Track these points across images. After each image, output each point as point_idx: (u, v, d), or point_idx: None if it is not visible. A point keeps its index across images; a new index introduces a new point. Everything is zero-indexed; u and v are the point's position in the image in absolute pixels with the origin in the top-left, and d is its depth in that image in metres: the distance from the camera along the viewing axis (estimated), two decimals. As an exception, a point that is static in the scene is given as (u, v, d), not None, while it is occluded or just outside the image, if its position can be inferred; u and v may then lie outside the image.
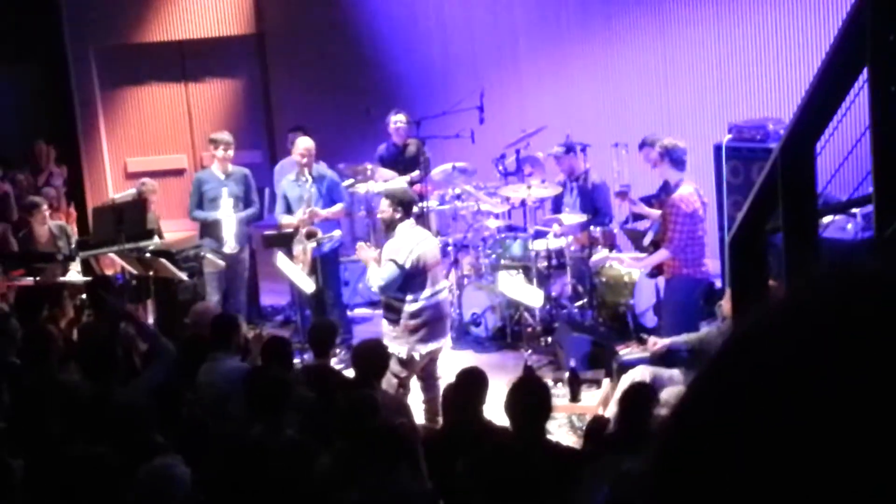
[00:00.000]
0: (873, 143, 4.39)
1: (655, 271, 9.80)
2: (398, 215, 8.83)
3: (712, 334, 8.67)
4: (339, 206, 11.26)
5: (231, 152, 11.39)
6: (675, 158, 9.52)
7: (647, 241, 9.95)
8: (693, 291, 9.64)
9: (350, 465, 6.00)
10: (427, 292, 8.81)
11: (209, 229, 11.27)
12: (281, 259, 10.07)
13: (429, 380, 8.85)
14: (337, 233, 10.83)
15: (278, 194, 11.37)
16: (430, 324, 8.79)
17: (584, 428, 8.45)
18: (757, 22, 12.06)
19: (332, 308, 11.04)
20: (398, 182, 12.02)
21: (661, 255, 9.51)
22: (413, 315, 8.79)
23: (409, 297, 8.80)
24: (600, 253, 10.66)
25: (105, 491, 5.54)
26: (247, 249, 11.45)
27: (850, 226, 9.54)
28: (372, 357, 7.49)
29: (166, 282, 10.61)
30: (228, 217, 11.04)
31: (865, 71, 4.56)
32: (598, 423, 7.09)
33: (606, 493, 2.13)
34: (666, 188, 9.68)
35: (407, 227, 8.95)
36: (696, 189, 9.59)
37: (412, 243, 8.81)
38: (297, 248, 10.64)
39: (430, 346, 8.72)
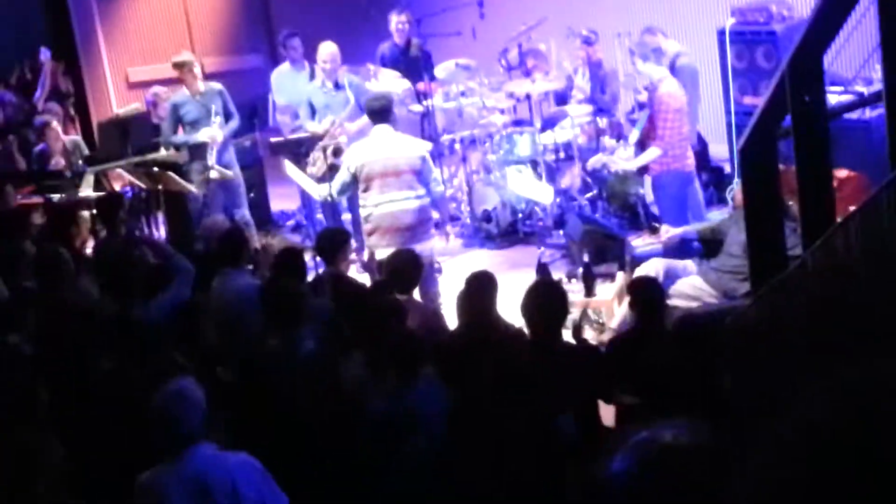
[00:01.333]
0: (883, 52, 4.37)
1: (643, 169, 9.78)
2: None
3: (725, 223, 8.68)
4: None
5: (197, 70, 11.20)
6: (646, 55, 9.48)
7: (632, 139, 9.87)
8: (683, 185, 9.67)
9: (376, 372, 6.06)
10: (373, 199, 8.81)
11: (194, 153, 11.10)
12: (289, 167, 10.05)
13: (424, 281, 8.75)
14: (342, 139, 10.76)
15: (295, 101, 11.25)
16: (382, 230, 8.78)
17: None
18: None
19: (348, 212, 10.97)
20: (399, 83, 11.98)
21: (653, 153, 9.48)
22: (365, 219, 8.93)
23: (360, 202, 8.95)
24: (595, 158, 10.63)
25: (130, 410, 5.63)
26: (236, 164, 11.34)
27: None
28: (403, 266, 7.46)
29: (176, 194, 10.62)
30: (217, 134, 10.94)
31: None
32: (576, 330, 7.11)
33: (627, 461, 2.16)
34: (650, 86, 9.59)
35: (375, 132, 8.98)
36: (679, 84, 9.57)
37: (364, 150, 8.90)
38: (312, 155, 10.58)
39: (387, 252, 8.36)
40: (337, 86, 10.94)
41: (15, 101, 13.31)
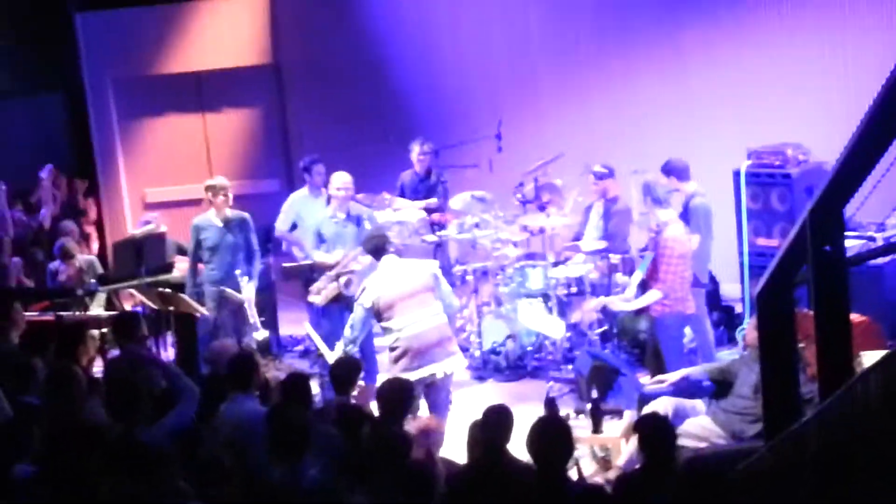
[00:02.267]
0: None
1: (644, 309, 9.73)
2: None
3: (735, 364, 8.64)
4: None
5: (230, 196, 11.16)
6: (654, 197, 9.51)
7: (635, 279, 9.83)
8: (682, 328, 9.66)
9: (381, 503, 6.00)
10: (398, 324, 8.91)
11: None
12: (308, 328, 10.14)
13: (435, 409, 8.79)
14: (356, 266, 10.76)
15: (308, 228, 11.18)
16: (411, 353, 8.84)
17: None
18: (774, 46, 12.05)
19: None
20: (414, 213, 12.08)
21: (653, 296, 9.46)
22: (391, 348, 9.00)
23: (384, 332, 9.07)
24: (595, 301, 10.59)
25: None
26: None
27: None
28: (396, 395, 7.43)
29: (186, 316, 10.63)
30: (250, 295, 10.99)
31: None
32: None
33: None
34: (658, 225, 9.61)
35: (382, 264, 9.17)
36: (685, 229, 9.61)
37: (372, 282, 9.07)
38: (320, 283, 10.56)
39: (418, 374, 8.70)
40: (348, 216, 10.92)
41: (25, 220, 13.42)
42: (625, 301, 9.92)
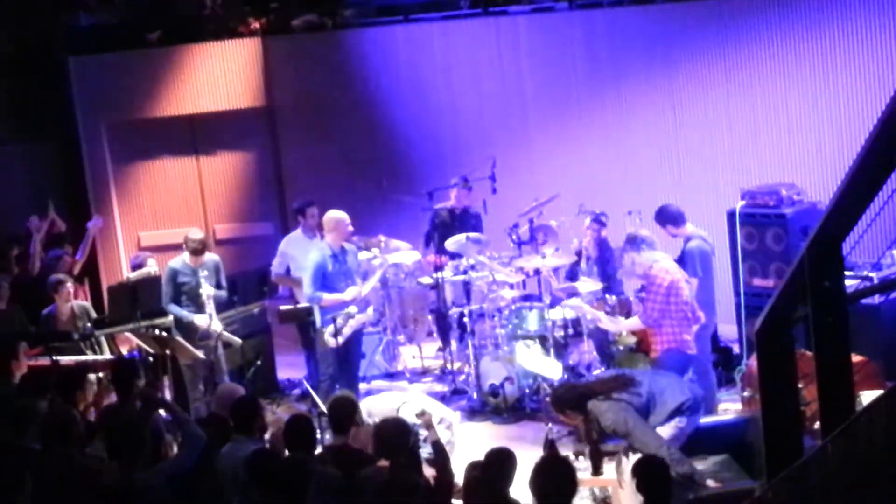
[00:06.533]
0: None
1: (647, 350, 9.85)
2: None
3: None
4: (374, 280, 11.46)
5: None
6: (634, 245, 9.64)
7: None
8: (684, 366, 9.64)
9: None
10: None
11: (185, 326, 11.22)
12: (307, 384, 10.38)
13: None
14: (353, 309, 10.81)
15: (313, 270, 10.94)
16: None
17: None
18: (766, 87, 12.11)
19: (348, 379, 11.01)
20: (408, 255, 12.14)
21: (633, 322, 9.93)
22: None
23: None
24: (573, 300, 10.77)
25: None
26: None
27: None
28: (394, 434, 7.39)
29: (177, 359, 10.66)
30: (216, 325, 11.12)
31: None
32: None
33: None
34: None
35: None
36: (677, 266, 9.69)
37: None
38: (340, 321, 10.60)
39: None
40: (343, 250, 11.02)
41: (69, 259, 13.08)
42: (612, 322, 10.34)
